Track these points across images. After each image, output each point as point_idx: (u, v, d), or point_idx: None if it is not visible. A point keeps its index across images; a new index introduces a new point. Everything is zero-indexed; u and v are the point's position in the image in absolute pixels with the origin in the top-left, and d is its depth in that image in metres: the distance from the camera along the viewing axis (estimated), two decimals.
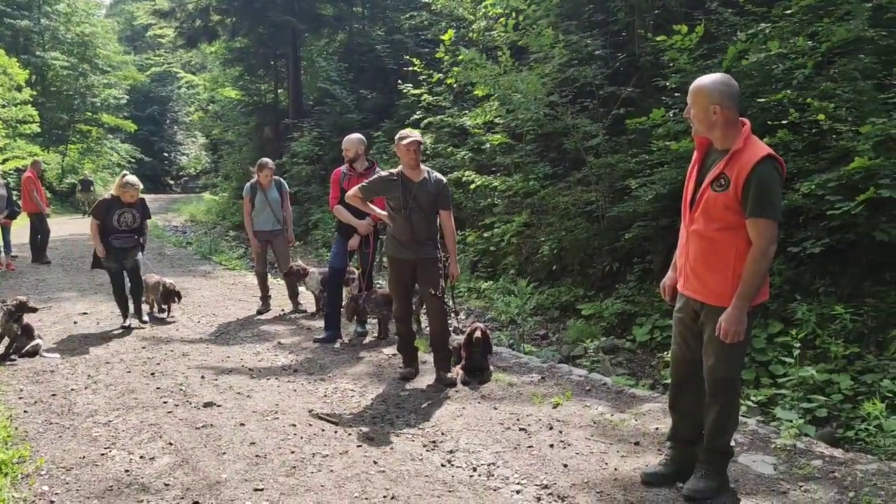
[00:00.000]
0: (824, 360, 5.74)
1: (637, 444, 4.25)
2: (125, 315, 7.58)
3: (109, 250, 7.26)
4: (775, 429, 4.48)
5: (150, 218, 7.80)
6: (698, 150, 3.50)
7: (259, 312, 8.39)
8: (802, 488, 3.60)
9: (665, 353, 6.64)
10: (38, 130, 26.07)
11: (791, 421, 4.56)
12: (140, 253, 7.56)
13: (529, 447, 4.23)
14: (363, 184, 5.57)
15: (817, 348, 5.86)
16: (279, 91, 24.38)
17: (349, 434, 4.48)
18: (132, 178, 7.35)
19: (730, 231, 3.27)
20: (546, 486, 3.71)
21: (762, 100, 6.86)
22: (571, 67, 10.33)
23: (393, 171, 5.51)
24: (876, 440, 4.49)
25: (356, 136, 6.98)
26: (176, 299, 8.05)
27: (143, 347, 6.65)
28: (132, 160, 38.28)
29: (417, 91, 14.03)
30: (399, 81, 15.56)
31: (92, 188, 25.70)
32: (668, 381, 6.07)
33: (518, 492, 3.66)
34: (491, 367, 5.81)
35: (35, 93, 27.34)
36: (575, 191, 10.13)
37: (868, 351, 5.76)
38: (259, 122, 24.55)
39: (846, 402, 5.27)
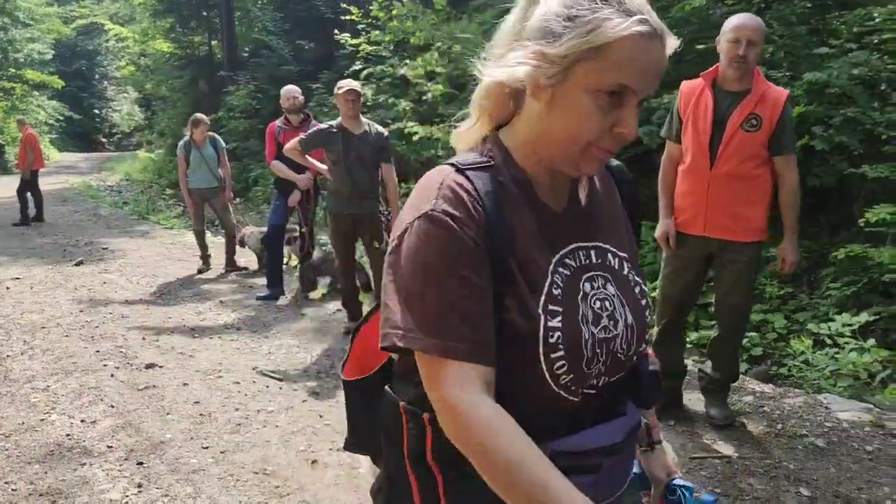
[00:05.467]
0: (760, 300, 5.93)
1: None
2: None
3: None
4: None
5: None
6: (703, 92, 3.48)
7: (199, 271, 8.26)
8: (735, 423, 3.75)
9: None
10: None
11: None
12: None
13: None
14: (301, 136, 5.48)
15: (755, 289, 6.05)
16: (213, 43, 23.62)
17: (294, 390, 4.49)
18: None
19: (763, 167, 3.42)
20: None
21: (701, 46, 6.92)
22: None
23: (332, 123, 5.43)
24: (804, 375, 4.70)
25: (295, 86, 6.86)
26: None
27: (81, 311, 6.50)
28: (60, 118, 36.82)
29: (356, 41, 13.75)
30: (337, 31, 15.23)
31: None
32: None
33: None
34: None
35: None
36: None
37: (801, 290, 5.98)
38: (193, 75, 23.77)
39: (780, 341, 5.47)
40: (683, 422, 3.79)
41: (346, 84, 5.27)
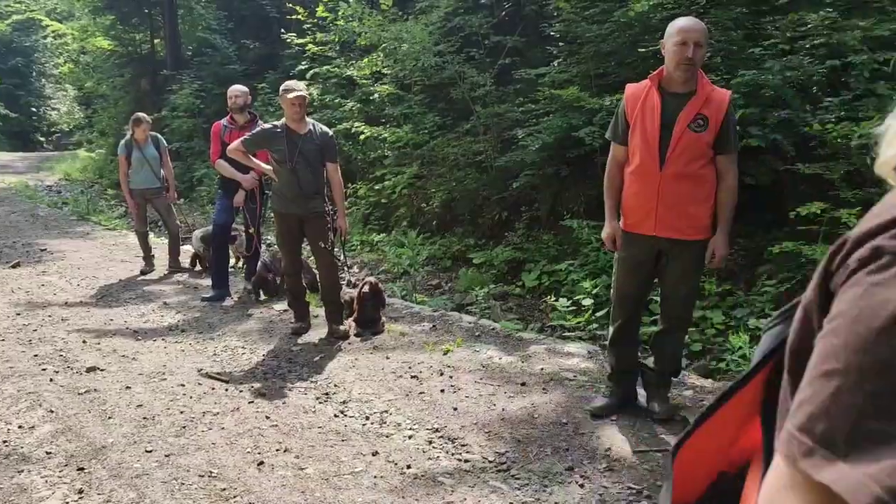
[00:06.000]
0: (700, 297, 6.09)
1: (524, 384, 4.42)
2: None
3: None
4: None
5: None
6: (650, 94, 3.55)
7: (142, 273, 8.10)
8: (677, 417, 3.85)
9: (550, 297, 6.88)
10: None
11: None
12: None
13: (421, 394, 4.33)
14: (245, 136, 5.43)
15: None
16: (155, 41, 23.16)
17: (240, 391, 4.45)
18: None
19: (709, 166, 3.54)
20: (437, 430, 3.82)
21: (642, 50, 7.07)
22: (457, 16, 10.31)
23: (277, 123, 5.39)
24: (742, 369, 4.84)
25: (241, 86, 6.81)
26: None
27: (18, 314, 6.32)
28: None
29: (302, 41, 13.66)
30: (283, 31, 15.09)
31: None
32: (552, 323, 6.32)
33: (410, 437, 3.76)
34: (384, 319, 5.86)
35: None
36: (464, 141, 10.19)
37: (738, 287, 6.15)
38: (135, 74, 23.26)
39: (719, 336, 5.62)
40: (626, 416, 3.88)
41: (293, 88, 5.23)
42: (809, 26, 6.05)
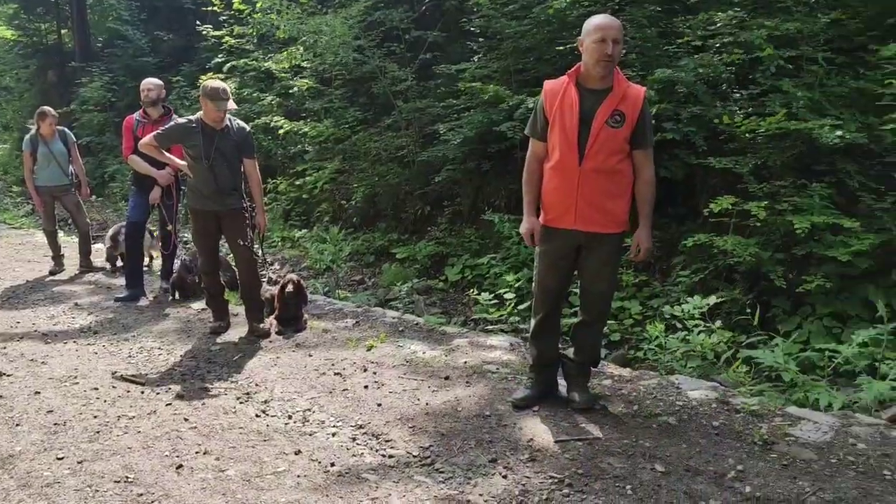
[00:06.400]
0: (618, 288, 6.24)
1: (447, 378, 4.44)
2: None
3: None
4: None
5: None
6: (568, 90, 3.59)
7: (51, 273, 7.78)
8: (596, 406, 3.93)
9: (473, 290, 6.93)
10: None
11: None
12: None
13: (344, 390, 4.30)
14: (158, 131, 5.26)
15: None
16: (63, 31, 22.18)
17: (157, 394, 4.32)
18: None
19: (626, 161, 3.62)
20: (361, 426, 3.80)
21: (560, 47, 7.18)
22: (378, 11, 10.25)
23: (192, 118, 5.24)
24: (658, 358, 4.99)
25: (155, 79, 6.60)
26: None
27: None
28: None
29: (218, 33, 13.33)
30: (198, 22, 14.68)
31: None
32: (475, 316, 6.37)
33: (334, 434, 3.73)
34: (306, 316, 5.79)
35: None
36: (386, 136, 10.14)
37: (654, 278, 6.34)
38: (41, 65, 22.22)
39: (636, 326, 5.78)
40: (547, 407, 3.94)
41: (221, 97, 5.01)
42: (719, 25, 6.26)
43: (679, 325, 5.22)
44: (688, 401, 4.02)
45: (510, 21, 7.85)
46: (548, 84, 3.74)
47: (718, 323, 5.10)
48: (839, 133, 5.12)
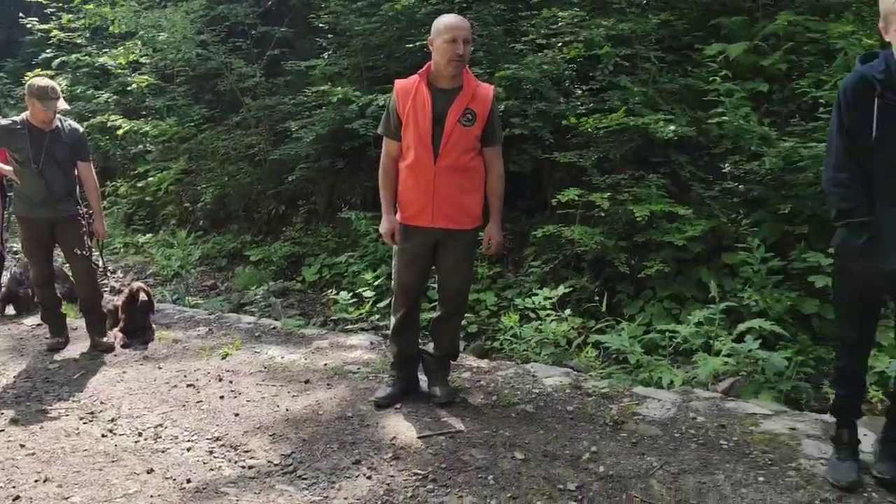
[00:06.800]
0: (473, 281, 6.36)
1: (308, 382, 4.36)
2: None
3: None
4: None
5: None
6: (420, 90, 3.61)
7: None
8: (457, 399, 3.99)
9: (331, 290, 6.86)
10: None
11: None
12: None
13: (199, 402, 4.12)
14: None
15: None
16: None
17: None
18: None
19: (478, 158, 3.70)
20: (218, 438, 3.66)
21: (410, 45, 7.22)
22: (221, 5, 9.89)
23: (17, 118, 4.84)
24: (514, 347, 5.13)
25: None
26: None
27: None
28: None
29: (46, 26, 12.39)
30: (21, 14, 13.59)
31: None
32: (334, 316, 6.31)
33: (189, 449, 3.56)
34: (154, 326, 5.50)
35: None
36: (235, 134, 9.81)
37: (507, 270, 6.51)
38: None
39: (492, 317, 5.91)
40: (409, 404, 3.95)
41: (51, 96, 4.65)
42: (561, 24, 6.51)
43: (533, 315, 5.38)
44: (543, 388, 4.15)
45: (359, 18, 7.81)
46: (399, 83, 3.75)
47: (569, 311, 5.30)
48: (672, 127, 5.47)
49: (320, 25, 8.48)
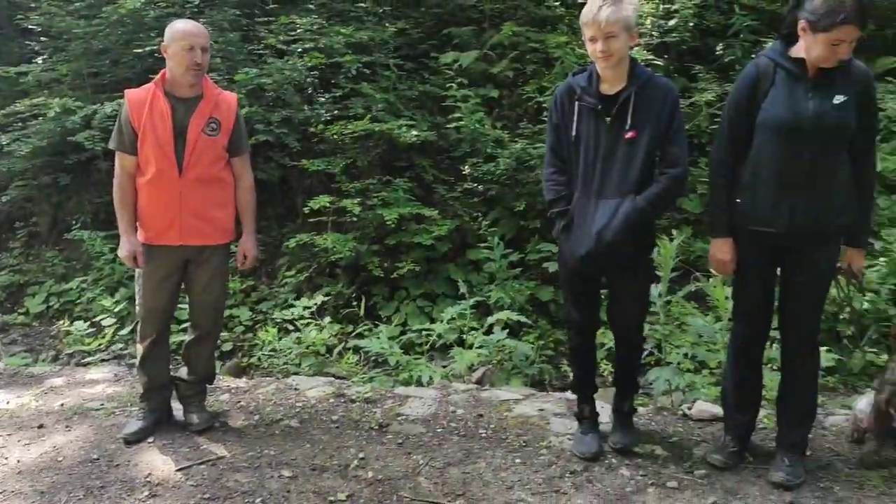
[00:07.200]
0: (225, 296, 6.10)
1: (41, 426, 3.89)
2: None
3: None
4: None
5: None
6: (156, 100, 3.37)
7: None
8: (216, 424, 3.78)
9: (63, 321, 6.23)
10: None
11: None
12: None
13: None
14: None
15: None
16: None
17: None
18: None
19: (227, 169, 3.56)
20: None
21: (139, 50, 6.76)
22: None
23: None
24: (273, 362, 5.00)
25: None
26: None
27: None
28: None
29: None
30: None
31: None
32: (69, 350, 5.76)
33: None
34: None
35: None
36: None
37: (261, 282, 6.33)
38: None
39: (247, 333, 5.71)
40: (164, 436, 3.67)
41: None
42: (300, 31, 6.45)
43: (291, 327, 5.28)
44: (307, 400, 4.08)
45: (78, 20, 7.15)
46: (131, 94, 3.47)
47: (328, 318, 5.28)
48: (415, 133, 5.67)
49: (31, 27, 7.65)
